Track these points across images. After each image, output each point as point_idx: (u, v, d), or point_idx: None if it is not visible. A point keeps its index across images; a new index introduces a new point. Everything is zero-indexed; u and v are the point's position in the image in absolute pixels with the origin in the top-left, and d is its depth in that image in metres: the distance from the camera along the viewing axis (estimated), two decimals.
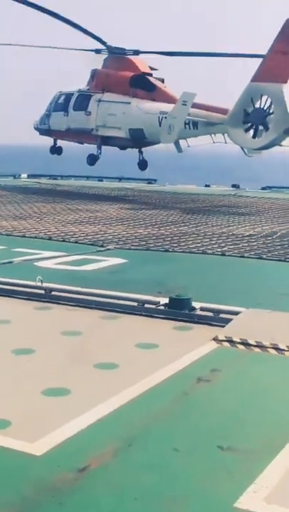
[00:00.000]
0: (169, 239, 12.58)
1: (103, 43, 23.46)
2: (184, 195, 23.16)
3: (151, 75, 23.27)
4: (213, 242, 12.34)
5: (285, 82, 18.99)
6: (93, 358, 5.61)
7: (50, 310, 7.27)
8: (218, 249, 11.44)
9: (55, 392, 4.82)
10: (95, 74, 24.19)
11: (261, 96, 19.34)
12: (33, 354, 5.74)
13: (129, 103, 22.55)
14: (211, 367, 5.44)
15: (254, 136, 19.79)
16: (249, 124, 19.73)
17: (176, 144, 22.05)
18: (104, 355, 5.73)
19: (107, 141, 23.84)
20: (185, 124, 20.74)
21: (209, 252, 11.26)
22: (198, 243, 12.11)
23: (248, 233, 13.63)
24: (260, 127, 19.54)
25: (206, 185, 28.11)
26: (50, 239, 12.32)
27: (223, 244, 12.01)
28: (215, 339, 6.15)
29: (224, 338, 6.15)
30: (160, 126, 21.37)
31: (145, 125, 22.08)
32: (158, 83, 22.90)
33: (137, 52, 23.98)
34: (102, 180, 29.99)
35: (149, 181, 29.58)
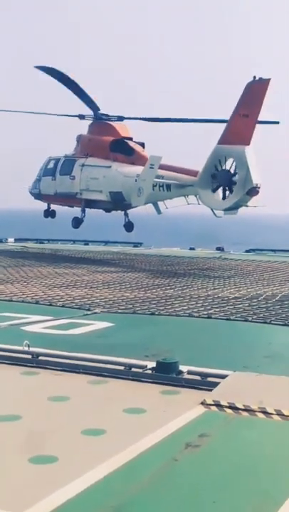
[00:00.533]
0: (156, 302, 12.61)
1: (96, 108, 24.10)
2: (169, 258, 23.33)
3: (131, 139, 23.88)
4: (199, 304, 12.38)
5: (248, 144, 19.58)
6: (80, 424, 5.55)
7: (37, 375, 7.22)
8: (205, 312, 11.48)
9: (42, 459, 4.75)
10: (79, 139, 24.81)
11: (226, 158, 19.90)
12: (20, 420, 5.67)
13: (110, 167, 23.12)
14: (199, 432, 5.40)
15: (223, 198, 20.28)
16: (216, 186, 20.25)
17: (155, 205, 22.67)
18: (92, 421, 5.68)
19: (90, 204, 24.42)
20: (159, 186, 21.31)
21: (195, 314, 11.29)
22: (185, 306, 12.15)
23: (233, 296, 13.71)
24: (227, 189, 20.02)
25: (191, 248, 28.37)
26: (37, 303, 12.32)
27: (209, 307, 12.05)
28: (203, 403, 6.12)
29: (212, 402, 6.12)
30: (133, 189, 22.00)
31: (124, 188, 22.66)
32: (137, 147, 23.50)
33: (121, 118, 24.61)
34: (88, 244, 30.19)
35: (135, 244, 29.81)
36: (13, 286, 14.72)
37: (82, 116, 24.53)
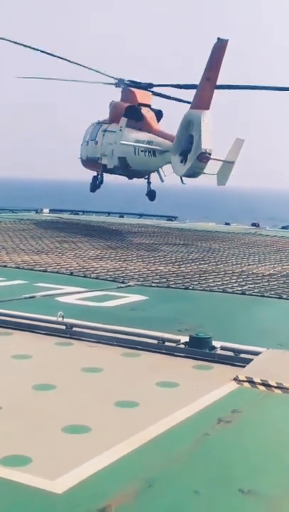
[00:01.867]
0: (189, 277, 12.60)
1: (120, 79, 24.11)
2: (204, 233, 23.25)
3: (148, 106, 23.79)
4: (233, 280, 12.34)
5: (207, 108, 19.28)
6: (114, 396, 5.61)
7: (71, 346, 7.30)
8: (238, 288, 11.44)
9: (76, 429, 4.82)
10: (110, 105, 24.92)
11: (190, 123, 19.60)
12: (54, 390, 5.75)
13: (120, 132, 23.09)
14: (231, 407, 5.41)
15: (183, 164, 20.07)
16: (180, 151, 20.02)
17: (158, 173, 22.96)
18: (125, 393, 5.73)
19: (106, 169, 24.49)
20: (145, 152, 21.57)
21: (229, 290, 11.26)
22: (219, 281, 12.12)
23: (268, 272, 13.63)
24: (186, 154, 19.83)
25: (226, 223, 28.22)
26: (71, 274, 12.40)
27: (243, 283, 12.01)
28: (235, 379, 6.13)
29: (245, 379, 6.12)
30: (135, 154, 22.01)
31: (126, 154, 22.65)
32: (147, 114, 23.41)
33: (150, 85, 24.57)
34: (123, 217, 30.23)
35: (170, 218, 29.76)
36: (48, 257, 14.84)
37: (118, 84, 24.52)
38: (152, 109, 23.76)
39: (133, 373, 6.46)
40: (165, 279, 12.12)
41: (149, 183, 25.38)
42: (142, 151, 21.68)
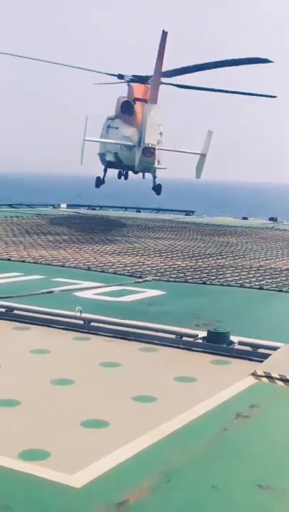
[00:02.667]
0: (207, 271, 12.58)
1: (119, 74, 24.21)
2: (221, 227, 23.20)
3: (144, 100, 23.81)
4: (251, 275, 12.30)
5: (154, 102, 19.40)
6: (132, 391, 5.63)
7: (89, 341, 7.32)
8: (256, 283, 11.41)
9: (94, 424, 4.84)
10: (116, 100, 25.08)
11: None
12: (72, 385, 5.78)
13: (118, 128, 23.14)
14: (249, 402, 5.41)
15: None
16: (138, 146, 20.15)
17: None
18: (143, 388, 5.74)
19: (109, 164, 24.63)
20: (124, 147, 21.90)
21: (247, 285, 11.23)
22: (236, 276, 12.09)
23: (286, 267, 13.56)
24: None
25: (244, 218, 28.12)
26: (89, 269, 12.43)
27: (261, 278, 11.97)
28: (253, 374, 6.12)
29: (263, 374, 6.11)
30: (121, 150, 22.23)
31: (117, 149, 22.90)
32: (138, 108, 23.29)
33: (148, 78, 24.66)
34: (140, 211, 30.21)
35: (187, 213, 29.71)
36: (66, 251, 14.88)
37: (121, 76, 24.53)
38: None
39: (151, 368, 6.47)
40: (182, 274, 12.11)
41: (154, 177, 25.52)
42: (124, 146, 21.81)
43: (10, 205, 29.03)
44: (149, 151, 19.30)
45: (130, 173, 25.03)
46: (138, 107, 23.45)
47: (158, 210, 30.74)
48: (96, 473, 4.01)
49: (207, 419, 5.04)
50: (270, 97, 24.97)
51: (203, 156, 20.91)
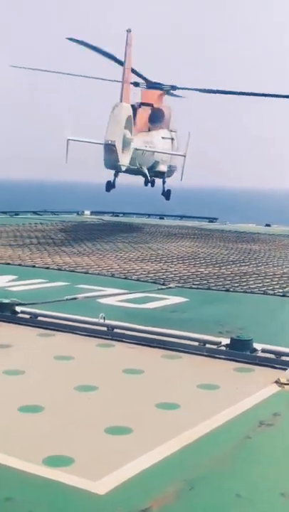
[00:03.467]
0: (230, 278, 12.56)
1: (144, 78, 24.36)
2: (244, 234, 23.13)
3: (150, 105, 23.87)
4: (274, 282, 12.25)
5: (123, 101, 19.66)
6: (155, 397, 5.64)
7: (113, 347, 7.35)
8: (280, 290, 11.36)
9: (118, 430, 4.86)
10: None
11: None
12: (96, 391, 5.81)
13: None
14: (273, 410, 5.39)
15: None
16: None
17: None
18: (166, 395, 5.75)
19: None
20: None
21: (270, 292, 11.19)
22: (259, 283, 12.05)
23: None
24: None
25: (267, 225, 28.00)
26: (112, 276, 12.48)
27: (284, 285, 11.91)
28: (277, 382, 6.10)
29: (286, 381, 6.08)
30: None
31: None
32: (139, 113, 23.55)
33: (173, 88, 24.77)
34: (163, 218, 30.24)
35: (210, 220, 29.68)
36: (89, 258, 14.95)
37: (136, 84, 24.70)
38: (154, 108, 23.97)
39: (174, 375, 6.48)
40: (206, 281, 12.11)
41: (163, 182, 25.81)
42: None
43: (34, 212, 29.24)
44: (107, 148, 19.35)
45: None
46: (140, 111, 23.78)
47: (181, 217, 30.73)
48: (120, 480, 4.03)
49: (230, 427, 5.04)
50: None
51: (184, 157, 21.62)
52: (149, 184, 25.96)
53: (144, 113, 23.80)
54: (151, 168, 23.47)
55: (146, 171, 23.28)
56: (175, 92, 25.54)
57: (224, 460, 4.44)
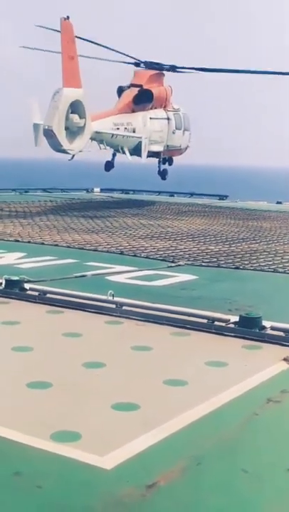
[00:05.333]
0: (240, 256, 12.52)
1: (139, 60, 24.49)
2: (255, 212, 23.01)
3: (140, 86, 23.87)
4: (285, 260, 12.19)
5: (65, 85, 19.60)
6: (163, 374, 5.64)
7: (121, 324, 7.35)
8: None
9: (125, 406, 4.88)
10: None
11: None
12: (104, 368, 5.82)
13: None
14: (281, 388, 5.38)
15: None
16: None
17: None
18: (174, 372, 5.76)
19: None
20: None
21: (280, 270, 11.14)
22: (270, 261, 12.00)
23: None
24: None
25: (278, 202, 27.85)
26: (121, 253, 12.46)
27: None
28: (285, 359, 6.09)
29: None
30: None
31: None
32: (125, 94, 23.68)
33: (173, 68, 24.63)
34: (173, 196, 30.14)
35: (221, 197, 29.54)
36: (99, 236, 14.93)
37: (137, 64, 24.56)
38: (142, 90, 23.76)
39: (182, 352, 6.48)
40: (215, 259, 12.07)
41: (159, 162, 25.93)
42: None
43: (44, 190, 29.22)
44: (46, 133, 19.56)
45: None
46: (126, 92, 23.82)
47: (191, 194, 30.61)
48: (127, 456, 4.05)
49: (238, 404, 5.04)
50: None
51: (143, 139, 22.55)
52: (162, 165, 26.04)
53: (129, 95, 23.74)
54: (135, 149, 23.35)
55: (127, 152, 23.20)
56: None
57: (231, 436, 4.44)
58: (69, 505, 3.50)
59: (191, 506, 3.54)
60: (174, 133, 25.52)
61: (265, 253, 13.04)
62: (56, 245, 13.29)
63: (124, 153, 23.29)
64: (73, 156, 21.23)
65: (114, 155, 24.73)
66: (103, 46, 23.09)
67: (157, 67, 24.68)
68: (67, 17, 19.77)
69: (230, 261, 11.90)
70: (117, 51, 23.40)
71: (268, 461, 4.10)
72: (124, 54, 23.76)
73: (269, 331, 6.89)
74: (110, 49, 23.24)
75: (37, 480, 3.74)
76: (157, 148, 24.99)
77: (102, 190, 30.67)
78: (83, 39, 21.72)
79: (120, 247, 13.14)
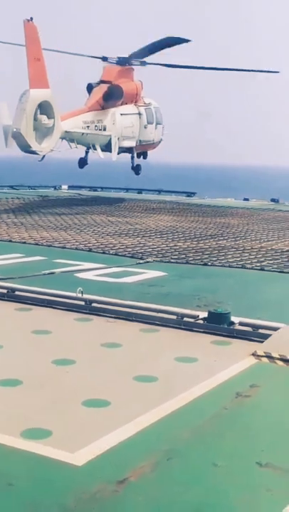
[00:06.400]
0: (208, 253, 12.60)
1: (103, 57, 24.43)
2: (222, 209, 23.16)
3: (109, 82, 23.91)
4: (252, 256, 12.31)
5: (31, 87, 19.57)
6: (133, 371, 5.66)
7: (91, 321, 7.35)
8: (257, 264, 11.42)
9: (95, 403, 4.89)
10: None
11: None
12: (74, 365, 5.82)
13: None
14: (250, 382, 5.44)
15: None
16: None
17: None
18: (144, 368, 5.78)
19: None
20: None
21: (248, 266, 11.25)
22: (238, 257, 12.11)
23: (287, 248, 13.57)
24: None
25: (245, 199, 28.06)
26: (90, 250, 12.45)
27: (262, 259, 11.98)
28: (254, 354, 6.16)
29: (263, 354, 6.14)
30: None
31: None
32: (95, 91, 23.64)
33: (143, 63, 24.63)
34: (141, 193, 30.16)
35: (188, 194, 29.66)
36: (67, 233, 14.89)
37: (105, 58, 24.51)
38: (111, 86, 23.71)
39: (152, 348, 6.51)
40: (184, 255, 12.13)
41: (132, 157, 26.02)
42: None
43: (11, 187, 29.01)
44: (14, 135, 19.61)
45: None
46: (95, 89, 23.71)
47: (159, 191, 30.67)
48: (98, 452, 4.06)
49: (208, 399, 5.08)
50: (273, 72, 24.73)
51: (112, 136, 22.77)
52: (136, 159, 26.06)
53: (98, 91, 23.65)
54: (107, 145, 23.33)
55: (98, 149, 23.18)
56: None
57: (201, 431, 4.48)
58: (41, 503, 3.50)
59: (162, 501, 3.56)
60: (145, 127, 25.47)
61: (233, 249, 13.15)
62: (24, 243, 13.23)
63: (95, 149, 23.21)
64: (43, 156, 21.13)
65: (87, 152, 24.62)
66: (70, 53, 23.02)
67: (127, 63, 24.62)
68: (31, 18, 19.55)
69: (199, 257, 11.97)
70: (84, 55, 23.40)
71: (238, 455, 4.14)
72: (94, 56, 23.75)
73: (238, 327, 6.96)
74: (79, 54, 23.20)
75: (8, 478, 3.73)
76: (129, 143, 24.94)
77: (69, 187, 30.56)
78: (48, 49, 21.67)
79: (89, 244, 13.12)
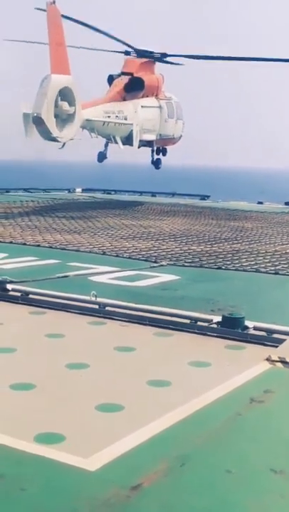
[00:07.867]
0: (222, 256, 12.55)
1: (130, 46, 24.25)
2: (236, 212, 23.09)
3: (130, 74, 23.77)
4: (266, 260, 12.25)
5: (53, 72, 19.39)
6: (146, 375, 5.65)
7: (104, 325, 7.35)
8: (272, 268, 11.36)
9: (109, 407, 4.87)
10: None
11: None
12: (87, 369, 5.81)
13: None
14: (264, 388, 5.41)
15: None
16: None
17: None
18: (157, 372, 5.76)
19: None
20: None
21: (262, 270, 11.19)
22: (252, 261, 12.05)
23: None
24: None
25: (259, 202, 27.96)
26: (104, 254, 12.45)
27: (276, 263, 11.92)
28: (268, 359, 6.12)
29: (277, 359, 6.10)
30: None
31: None
32: (117, 82, 23.48)
33: (164, 55, 24.53)
34: (155, 196, 30.14)
35: (203, 197, 29.60)
36: (81, 236, 14.90)
37: (127, 53, 24.47)
38: (133, 78, 23.62)
39: (165, 353, 6.49)
40: (198, 259, 12.10)
41: (152, 151, 25.93)
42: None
43: (25, 190, 29.09)
44: (35, 121, 19.29)
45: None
46: (116, 81, 23.59)
47: (173, 194, 30.63)
48: (111, 457, 4.05)
49: (221, 404, 5.05)
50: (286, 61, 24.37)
51: (133, 125, 22.45)
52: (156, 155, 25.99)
53: (120, 83, 23.50)
54: (128, 138, 23.19)
55: (118, 141, 22.96)
56: (173, 60, 25.18)
57: (215, 437, 4.45)
58: (53, 508, 3.49)
59: (175, 507, 3.54)
60: (166, 121, 25.29)
61: (247, 253, 13.09)
62: (38, 246, 13.24)
63: (116, 142, 22.93)
64: (64, 144, 20.82)
65: (106, 145, 24.40)
66: (94, 29, 22.58)
67: (148, 55, 24.54)
68: (54, 1, 19.36)
69: (213, 261, 11.93)
70: (107, 34, 23.00)
71: (252, 461, 4.11)
72: (116, 38, 23.41)
73: (252, 331, 6.92)
74: (102, 32, 22.77)
75: (21, 483, 3.72)
76: (150, 136, 24.74)
77: (83, 190, 30.60)
78: (73, 19, 21.31)
79: (103, 248, 13.12)
